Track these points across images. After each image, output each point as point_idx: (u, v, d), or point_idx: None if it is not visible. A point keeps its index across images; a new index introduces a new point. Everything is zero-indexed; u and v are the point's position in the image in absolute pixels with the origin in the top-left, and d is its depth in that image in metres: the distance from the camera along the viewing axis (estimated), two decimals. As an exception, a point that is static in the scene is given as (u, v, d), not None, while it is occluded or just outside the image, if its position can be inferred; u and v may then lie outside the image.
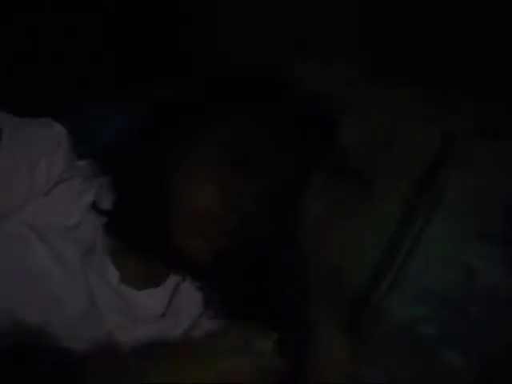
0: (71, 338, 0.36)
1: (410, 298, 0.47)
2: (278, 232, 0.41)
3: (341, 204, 0.42)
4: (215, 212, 0.38)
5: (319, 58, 0.60)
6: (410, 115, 0.53)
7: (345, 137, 0.50)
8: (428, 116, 0.54)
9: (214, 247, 0.39)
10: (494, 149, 0.50)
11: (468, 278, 0.46)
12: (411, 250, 0.48)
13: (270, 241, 0.40)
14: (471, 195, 0.49)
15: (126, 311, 0.40)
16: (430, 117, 0.54)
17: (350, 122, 0.52)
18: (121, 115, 0.56)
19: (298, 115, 0.42)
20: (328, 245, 0.41)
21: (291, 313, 0.41)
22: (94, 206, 0.40)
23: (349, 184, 0.43)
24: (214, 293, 0.43)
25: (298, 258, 0.41)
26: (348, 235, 0.41)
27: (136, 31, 0.73)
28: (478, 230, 0.48)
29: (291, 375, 0.37)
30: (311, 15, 0.67)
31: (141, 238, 0.40)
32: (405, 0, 0.62)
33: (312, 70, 0.57)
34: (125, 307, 0.40)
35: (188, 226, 0.39)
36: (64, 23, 0.71)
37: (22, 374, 0.32)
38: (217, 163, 0.39)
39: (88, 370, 0.33)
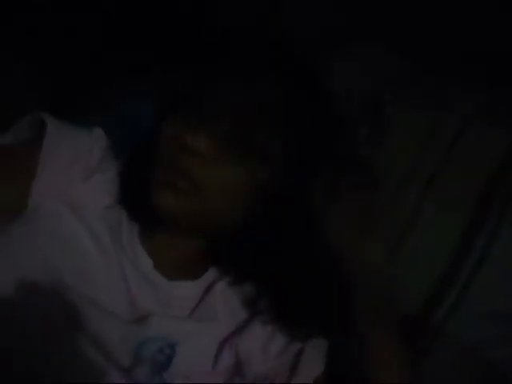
0: (104, 323, 0.37)
1: (476, 318, 0.45)
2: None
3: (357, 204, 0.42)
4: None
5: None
6: (476, 118, 0.53)
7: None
8: (493, 121, 0.53)
9: (183, 203, 0.38)
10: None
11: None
12: (478, 264, 0.46)
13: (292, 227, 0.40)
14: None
15: (159, 299, 0.41)
16: (495, 122, 0.53)
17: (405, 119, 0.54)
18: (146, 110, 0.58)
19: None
20: (361, 245, 0.42)
21: (339, 320, 0.41)
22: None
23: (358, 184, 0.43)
24: (256, 294, 0.43)
25: (333, 259, 0.41)
26: (376, 235, 0.41)
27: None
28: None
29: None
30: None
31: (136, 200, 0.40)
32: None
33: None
34: (157, 295, 0.41)
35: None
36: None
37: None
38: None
39: None
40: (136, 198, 0.41)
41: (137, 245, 0.42)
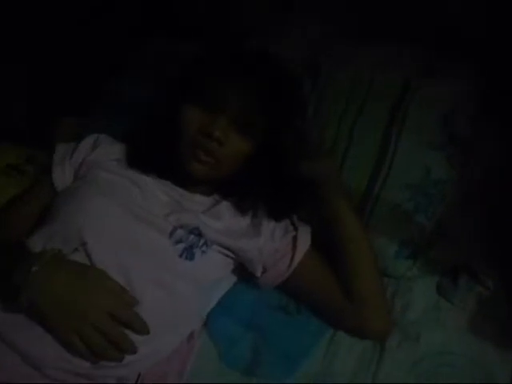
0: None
1: (396, 188, 0.74)
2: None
3: None
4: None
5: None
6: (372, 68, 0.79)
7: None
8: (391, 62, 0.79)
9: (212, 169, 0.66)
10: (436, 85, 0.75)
11: (427, 172, 0.74)
12: (391, 160, 0.75)
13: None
14: (422, 119, 0.75)
15: (183, 202, 0.68)
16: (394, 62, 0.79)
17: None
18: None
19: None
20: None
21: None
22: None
23: None
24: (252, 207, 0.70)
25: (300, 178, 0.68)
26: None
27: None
28: (429, 141, 0.74)
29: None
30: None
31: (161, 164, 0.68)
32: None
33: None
34: (181, 200, 0.68)
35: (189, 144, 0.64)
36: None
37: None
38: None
39: None
40: (163, 163, 0.69)
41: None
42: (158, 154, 0.70)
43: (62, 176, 0.69)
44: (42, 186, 0.70)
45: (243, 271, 0.71)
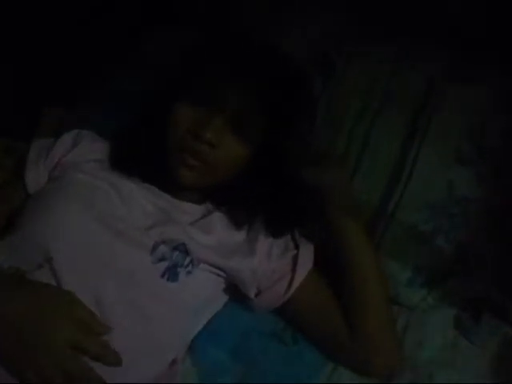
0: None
1: (413, 207, 0.66)
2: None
3: None
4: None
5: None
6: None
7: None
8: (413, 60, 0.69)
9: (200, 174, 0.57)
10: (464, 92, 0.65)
11: (450, 189, 0.64)
12: (410, 174, 0.66)
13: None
14: (448, 129, 0.65)
15: (170, 211, 0.59)
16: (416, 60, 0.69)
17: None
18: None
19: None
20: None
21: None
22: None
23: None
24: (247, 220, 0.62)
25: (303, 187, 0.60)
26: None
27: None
28: (454, 154, 0.65)
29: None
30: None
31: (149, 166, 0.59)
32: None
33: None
34: (169, 208, 0.59)
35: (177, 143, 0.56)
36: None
37: None
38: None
39: None
40: (149, 166, 0.60)
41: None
42: (143, 156, 0.61)
43: (35, 177, 0.61)
44: (14, 186, 0.63)
45: (235, 291, 0.63)
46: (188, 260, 0.56)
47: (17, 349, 0.46)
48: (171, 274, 0.55)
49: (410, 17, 0.74)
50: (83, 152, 0.63)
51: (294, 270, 0.61)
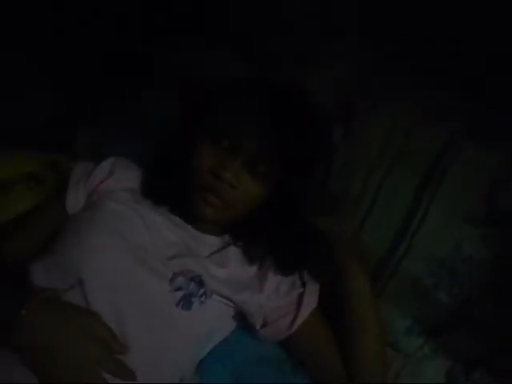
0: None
1: (419, 259, 0.69)
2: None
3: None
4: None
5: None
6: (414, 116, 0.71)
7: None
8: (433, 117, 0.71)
9: (222, 211, 0.62)
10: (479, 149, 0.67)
11: (456, 247, 0.67)
12: (418, 226, 0.69)
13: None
14: (459, 189, 0.67)
15: (189, 242, 0.65)
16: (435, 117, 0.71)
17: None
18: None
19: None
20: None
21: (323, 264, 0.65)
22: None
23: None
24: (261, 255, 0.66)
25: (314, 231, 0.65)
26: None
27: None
28: (464, 213, 0.67)
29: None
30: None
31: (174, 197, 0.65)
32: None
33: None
34: (188, 239, 0.65)
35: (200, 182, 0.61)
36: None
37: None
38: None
39: None
40: (175, 199, 0.67)
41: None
42: (169, 190, 0.67)
43: (74, 200, 0.68)
44: (55, 206, 0.70)
45: (243, 320, 0.68)
46: (202, 291, 0.62)
47: (47, 361, 0.53)
48: (186, 302, 0.61)
49: (434, 68, 0.75)
50: (118, 180, 0.70)
51: (298, 309, 0.66)
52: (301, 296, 0.67)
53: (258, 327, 0.67)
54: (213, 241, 0.69)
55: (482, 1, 0.75)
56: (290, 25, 0.84)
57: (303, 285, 0.68)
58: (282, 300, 0.66)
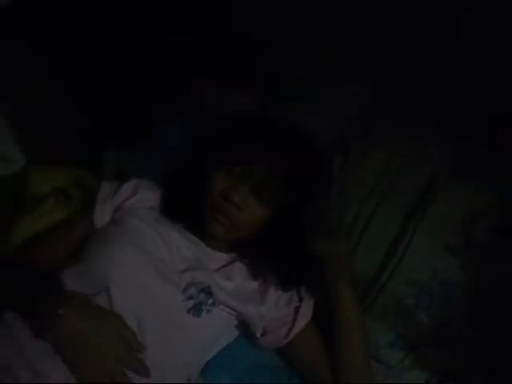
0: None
1: (402, 282, 0.78)
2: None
3: None
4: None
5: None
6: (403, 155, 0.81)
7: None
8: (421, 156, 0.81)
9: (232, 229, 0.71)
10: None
11: (434, 273, 0.76)
12: (403, 253, 0.78)
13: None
14: (440, 220, 0.77)
15: (201, 257, 0.73)
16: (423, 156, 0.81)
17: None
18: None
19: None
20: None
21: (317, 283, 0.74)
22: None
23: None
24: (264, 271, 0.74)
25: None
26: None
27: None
28: (444, 242, 0.76)
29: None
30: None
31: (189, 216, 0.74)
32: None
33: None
34: (201, 255, 0.73)
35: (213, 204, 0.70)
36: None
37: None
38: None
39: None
40: (190, 218, 0.76)
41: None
42: (185, 210, 0.76)
43: (101, 215, 0.77)
44: (83, 220, 0.78)
45: (245, 328, 0.77)
46: (211, 301, 0.71)
47: (77, 355, 0.61)
48: (196, 310, 0.70)
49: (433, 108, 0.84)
50: (141, 199, 0.79)
51: (295, 320, 0.75)
52: (297, 309, 0.76)
53: (258, 335, 0.75)
54: (221, 257, 0.78)
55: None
56: (290, 25, 0.89)
57: (300, 300, 0.77)
58: (280, 311, 0.75)
